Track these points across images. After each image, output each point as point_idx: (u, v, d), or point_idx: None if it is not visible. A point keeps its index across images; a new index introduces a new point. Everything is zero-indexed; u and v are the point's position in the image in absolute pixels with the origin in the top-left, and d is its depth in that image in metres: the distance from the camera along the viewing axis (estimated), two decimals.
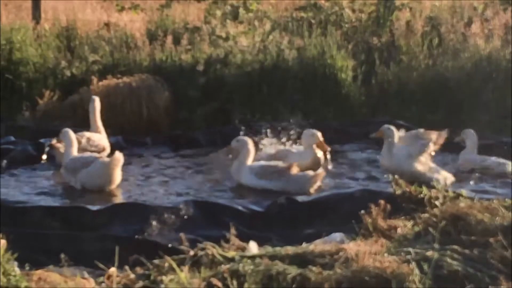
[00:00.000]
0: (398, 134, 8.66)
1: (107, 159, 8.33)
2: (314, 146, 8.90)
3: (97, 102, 9.52)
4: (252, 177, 8.36)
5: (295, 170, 8.33)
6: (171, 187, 8.50)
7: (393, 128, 8.68)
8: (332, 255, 5.02)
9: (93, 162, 8.23)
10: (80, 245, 6.57)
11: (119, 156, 8.14)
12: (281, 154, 9.01)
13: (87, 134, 9.26)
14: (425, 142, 8.61)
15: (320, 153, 8.90)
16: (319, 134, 8.91)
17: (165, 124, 10.95)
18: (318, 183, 8.37)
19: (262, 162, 8.60)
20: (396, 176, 7.23)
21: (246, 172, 8.38)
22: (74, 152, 8.50)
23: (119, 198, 7.92)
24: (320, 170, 8.50)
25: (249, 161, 8.47)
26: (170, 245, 6.28)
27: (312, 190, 8.28)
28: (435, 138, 8.62)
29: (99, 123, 9.48)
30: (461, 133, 9.46)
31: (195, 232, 6.67)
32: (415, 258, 4.92)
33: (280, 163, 8.49)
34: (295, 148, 9.15)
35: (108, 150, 9.31)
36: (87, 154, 8.61)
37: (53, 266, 5.45)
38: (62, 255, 5.07)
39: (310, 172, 8.38)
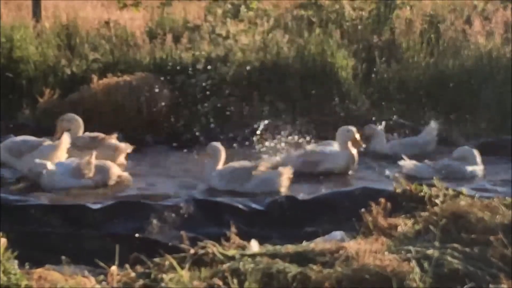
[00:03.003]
0: (223, 155, 8.42)
1: (54, 143, 8.54)
2: (349, 143, 8.86)
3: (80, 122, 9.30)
4: (67, 178, 8.25)
5: (92, 160, 8.32)
6: (171, 185, 8.50)
7: (219, 146, 8.48)
8: (333, 253, 5.03)
9: (39, 146, 8.38)
10: (80, 244, 6.58)
11: (66, 138, 8.39)
12: (314, 157, 8.94)
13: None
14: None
15: (354, 152, 8.85)
16: (354, 130, 8.89)
17: (166, 122, 10.94)
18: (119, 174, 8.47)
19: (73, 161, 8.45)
20: (397, 174, 7.25)
21: (59, 173, 8.26)
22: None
23: (119, 196, 7.92)
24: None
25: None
26: (170, 244, 6.28)
27: (113, 181, 8.36)
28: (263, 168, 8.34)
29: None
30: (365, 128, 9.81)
31: (196, 230, 6.68)
32: (415, 257, 4.92)
33: (82, 160, 8.36)
34: (328, 148, 9.06)
35: None
36: (30, 138, 8.75)
37: (54, 265, 5.45)
38: (63, 257, 5.07)
39: (110, 165, 8.43)
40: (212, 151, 8.44)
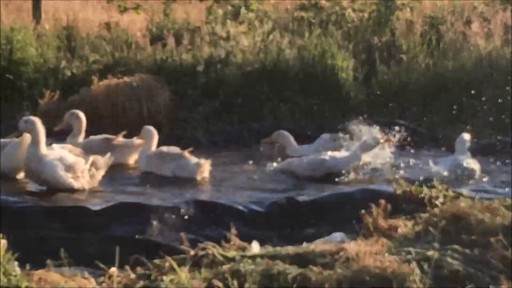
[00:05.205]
0: (156, 138, 8.77)
1: (18, 140, 8.40)
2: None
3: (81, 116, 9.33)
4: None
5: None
6: (171, 186, 8.49)
7: (152, 129, 8.82)
8: (333, 255, 5.03)
9: (8, 144, 8.38)
10: (81, 245, 6.58)
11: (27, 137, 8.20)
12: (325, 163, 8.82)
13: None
14: None
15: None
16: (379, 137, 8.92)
17: (166, 124, 10.94)
18: None
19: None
20: (397, 177, 7.24)
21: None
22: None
23: (120, 198, 7.91)
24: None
25: None
26: (170, 245, 6.28)
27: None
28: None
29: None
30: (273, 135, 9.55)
31: (196, 232, 6.68)
32: (415, 258, 4.92)
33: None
34: (338, 154, 8.89)
35: None
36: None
37: (54, 266, 5.44)
38: (62, 252, 5.06)
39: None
40: (145, 134, 8.82)
